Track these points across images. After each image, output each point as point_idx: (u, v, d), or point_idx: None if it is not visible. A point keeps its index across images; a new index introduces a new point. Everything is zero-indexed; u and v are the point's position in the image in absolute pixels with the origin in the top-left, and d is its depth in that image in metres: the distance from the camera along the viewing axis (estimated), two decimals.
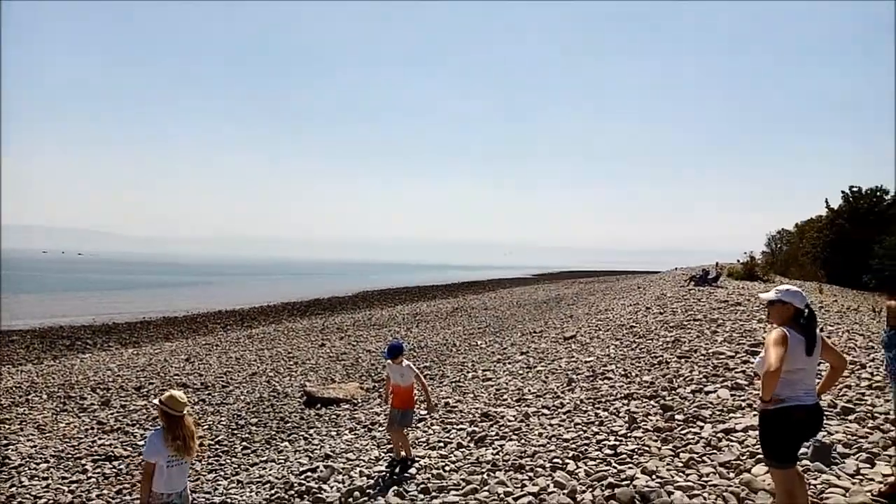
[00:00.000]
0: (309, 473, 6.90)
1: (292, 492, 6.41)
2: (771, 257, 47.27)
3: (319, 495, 6.10)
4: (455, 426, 7.80)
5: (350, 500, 5.87)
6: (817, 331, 3.85)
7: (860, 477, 4.95)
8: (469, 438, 7.10)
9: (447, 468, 6.16)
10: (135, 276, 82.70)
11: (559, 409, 7.66)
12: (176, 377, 13.90)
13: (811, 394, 3.75)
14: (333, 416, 9.94)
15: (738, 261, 30.51)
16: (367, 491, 5.95)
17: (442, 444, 7.10)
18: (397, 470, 6.34)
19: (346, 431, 8.82)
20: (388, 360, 6.68)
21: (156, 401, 4.50)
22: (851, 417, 6.27)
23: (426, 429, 7.92)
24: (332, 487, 6.32)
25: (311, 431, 9.18)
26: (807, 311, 3.82)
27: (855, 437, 5.72)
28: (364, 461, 7.04)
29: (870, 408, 6.49)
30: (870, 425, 6.05)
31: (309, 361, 15.38)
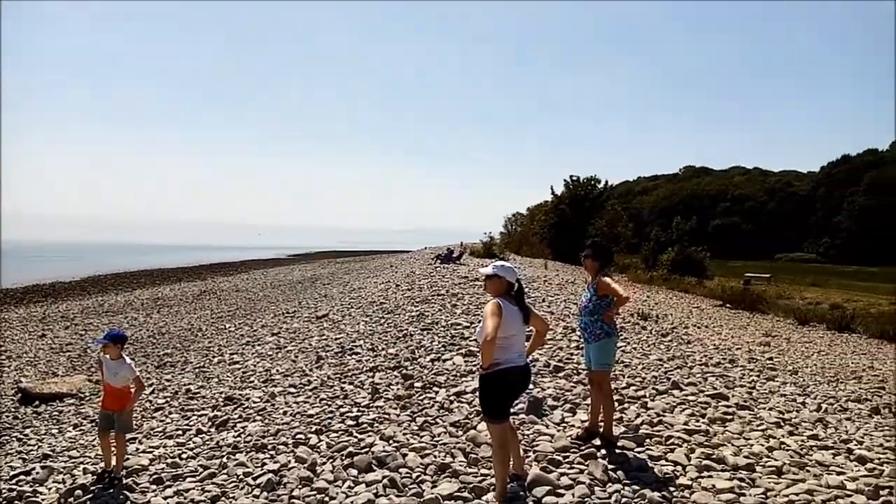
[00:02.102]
0: (22, 477, 6.12)
1: (1, 499, 5.65)
2: (507, 237, 51.89)
3: (34, 499, 5.45)
4: (196, 412, 7.46)
5: (71, 499, 5.33)
6: (526, 301, 4.37)
7: (564, 425, 5.73)
8: (210, 424, 6.84)
9: (184, 456, 5.88)
10: None
11: (306, 387, 7.71)
12: None
13: (522, 356, 4.26)
14: (55, 414, 8.89)
15: (480, 241, 33.04)
16: (92, 489, 5.46)
17: (180, 432, 6.75)
18: (105, 482, 5.50)
19: (70, 428, 7.95)
20: (102, 353, 5.69)
21: None
22: (561, 374, 7.21)
23: (163, 418, 7.46)
24: (49, 489, 5.68)
25: (28, 431, 8.12)
26: (517, 284, 4.33)
27: (562, 391, 6.60)
28: (90, 457, 6.42)
29: (576, 365, 7.52)
30: (574, 380, 7.01)
31: (26, 355, 13.53)
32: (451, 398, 6.37)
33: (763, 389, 7.79)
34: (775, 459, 5.16)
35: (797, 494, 4.51)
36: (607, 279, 5.11)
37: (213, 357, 11.30)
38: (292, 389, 7.72)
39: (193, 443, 6.26)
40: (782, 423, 6.29)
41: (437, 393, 6.61)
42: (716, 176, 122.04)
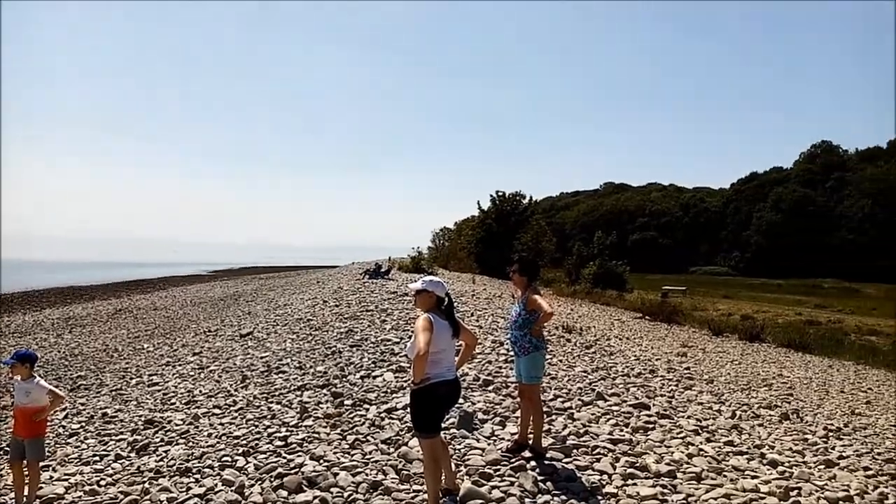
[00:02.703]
0: None
1: None
2: (435, 252, 52.11)
3: None
4: (114, 437, 7.13)
5: None
6: (455, 315, 4.43)
7: (495, 438, 5.80)
8: (130, 448, 6.56)
9: (103, 482, 5.61)
10: None
11: (231, 408, 7.50)
12: None
13: (452, 370, 4.30)
14: None
15: (408, 256, 33.03)
16: None
17: (98, 458, 6.43)
18: None
19: None
20: (11, 374, 5.33)
21: None
22: (490, 388, 7.30)
23: (78, 444, 7.09)
24: None
25: None
26: (447, 298, 4.38)
27: (492, 405, 6.68)
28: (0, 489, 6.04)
29: (505, 379, 7.64)
30: (504, 393, 7.12)
31: None
32: (382, 415, 6.35)
33: (682, 398, 8.12)
34: (695, 466, 5.39)
35: (715, 499, 4.73)
36: (535, 296, 5.24)
37: (131, 379, 10.83)
38: (217, 410, 7.50)
39: (112, 469, 5.98)
40: (700, 431, 6.58)
41: (367, 410, 6.57)
42: (634, 192, 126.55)
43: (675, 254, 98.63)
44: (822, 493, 5.11)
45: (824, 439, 7.08)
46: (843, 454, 6.49)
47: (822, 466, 5.96)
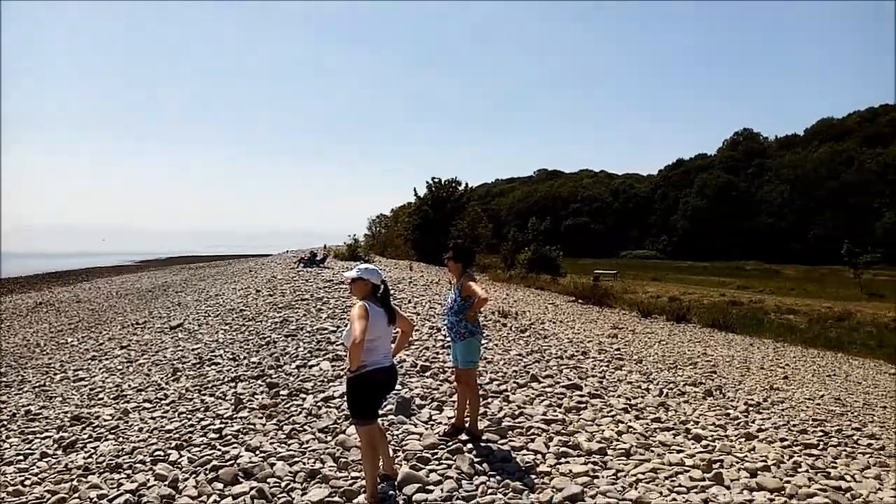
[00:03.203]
0: None
1: None
2: (372, 239, 51.85)
3: None
4: (39, 435, 6.85)
5: None
6: (392, 302, 4.45)
7: (432, 423, 5.87)
8: (56, 445, 6.32)
9: (27, 482, 5.40)
10: None
11: (162, 401, 7.31)
12: None
13: (388, 356, 4.33)
14: None
15: (344, 243, 32.75)
16: None
17: (21, 458, 6.17)
18: None
19: None
20: None
21: None
22: (428, 374, 7.36)
23: (0, 443, 6.79)
24: None
25: None
26: (382, 286, 4.40)
27: (430, 390, 6.75)
28: None
29: (442, 364, 7.71)
30: (441, 378, 7.19)
31: None
32: (319, 404, 6.33)
33: (612, 378, 8.39)
34: (624, 443, 5.60)
35: (643, 473, 4.94)
36: (470, 282, 5.31)
37: (55, 374, 10.40)
38: (147, 405, 7.30)
39: (38, 467, 5.75)
40: (629, 409, 6.83)
41: (304, 400, 6.53)
42: (567, 178, 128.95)
43: (607, 238, 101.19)
44: (742, 464, 5.40)
45: (745, 413, 7.47)
46: (762, 427, 6.87)
47: (743, 439, 6.29)
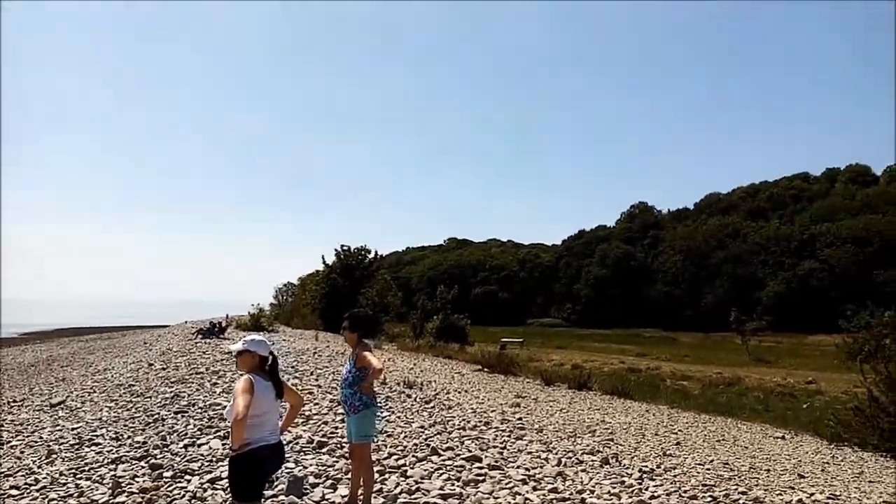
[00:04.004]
0: None
1: None
2: (278, 308, 50.54)
3: None
4: None
5: None
6: (280, 375, 4.34)
7: (325, 502, 5.67)
8: None
9: None
10: None
11: (32, 487, 6.70)
12: None
13: (275, 433, 4.19)
14: None
15: (248, 312, 31.75)
16: None
17: None
18: None
19: None
20: None
21: None
22: (325, 450, 7.15)
23: None
24: None
25: None
26: (271, 357, 4.29)
27: (325, 468, 6.54)
28: None
29: (340, 439, 7.51)
30: (338, 454, 7.00)
31: None
32: (206, 486, 5.99)
33: (513, 448, 8.41)
34: None
35: None
36: (365, 352, 5.26)
37: None
38: (14, 491, 6.66)
39: None
40: (528, 480, 6.84)
41: (189, 482, 6.16)
42: (476, 247, 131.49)
43: (514, 306, 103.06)
44: None
45: (639, 480, 7.62)
46: (655, 494, 7.02)
47: None
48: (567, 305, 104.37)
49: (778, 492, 8.01)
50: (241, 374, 4.16)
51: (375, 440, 7.65)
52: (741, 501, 7.23)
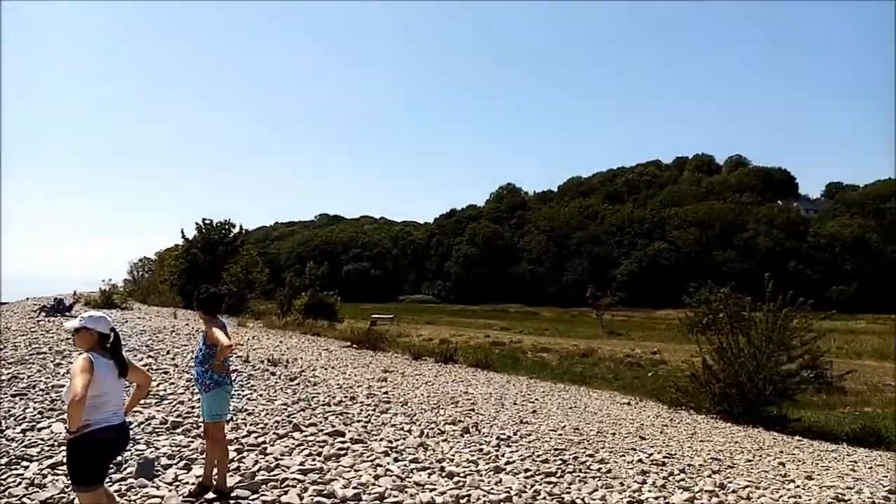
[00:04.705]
0: None
1: None
2: (133, 285, 47.62)
3: None
4: None
5: None
6: (124, 353, 4.13)
7: (178, 483, 5.48)
8: None
9: None
10: None
11: None
12: None
13: (119, 413, 3.99)
14: None
15: (99, 289, 29.74)
16: None
17: None
18: None
19: None
20: None
21: None
22: (179, 430, 6.89)
23: None
24: None
25: None
26: (112, 334, 4.07)
27: (179, 448, 6.31)
28: None
29: (196, 419, 7.26)
30: (193, 434, 6.77)
31: None
32: (45, 471, 5.60)
33: (377, 422, 8.52)
34: (380, 486, 5.70)
35: None
36: (215, 328, 5.11)
37: None
38: None
39: None
40: (390, 452, 6.97)
41: (27, 468, 5.73)
42: (347, 223, 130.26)
43: (386, 283, 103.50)
44: (488, 496, 5.76)
45: (496, 447, 7.98)
46: (510, 460, 7.40)
47: (492, 472, 6.71)
48: (438, 282, 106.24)
49: (621, 453, 8.69)
50: (80, 353, 3.91)
51: (232, 419, 7.49)
52: (588, 463, 7.77)
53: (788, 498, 7.21)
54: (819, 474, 8.95)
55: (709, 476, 7.82)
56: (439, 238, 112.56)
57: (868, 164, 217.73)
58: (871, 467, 10.32)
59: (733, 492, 7.15)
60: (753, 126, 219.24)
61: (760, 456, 10.09)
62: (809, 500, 7.17)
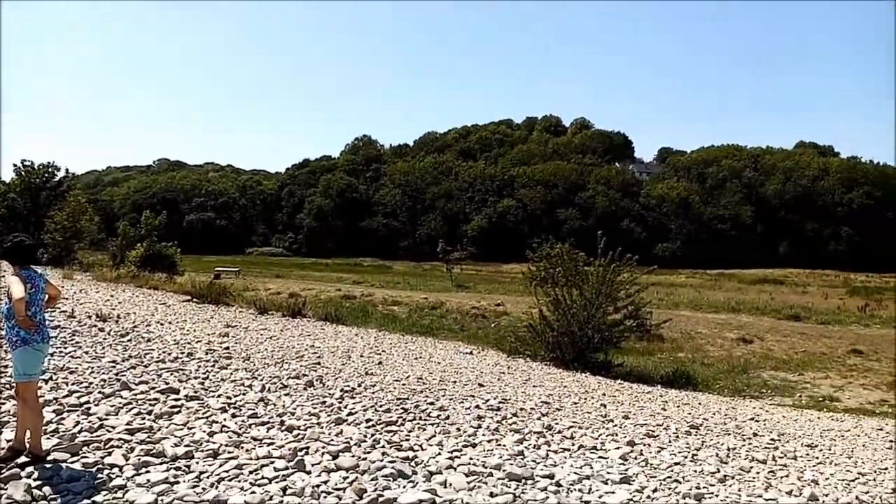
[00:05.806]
0: None
1: None
2: None
3: None
4: None
5: None
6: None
7: None
8: None
9: None
10: None
11: None
12: None
13: None
14: None
15: None
16: None
17: None
18: None
19: None
20: None
21: None
22: None
23: None
24: None
25: None
26: None
27: None
28: None
29: (9, 379, 6.64)
30: (5, 395, 6.21)
31: None
32: None
33: (216, 378, 8.25)
34: (214, 443, 5.55)
35: (227, 471, 4.96)
36: (12, 279, 4.68)
37: None
38: None
39: None
40: (228, 408, 6.80)
41: None
42: (190, 170, 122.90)
43: (233, 235, 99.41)
44: (327, 447, 5.80)
45: (340, 399, 8.03)
46: (353, 410, 7.47)
47: (333, 424, 6.76)
48: (289, 235, 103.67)
49: (460, 400, 9.07)
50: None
51: (51, 378, 6.95)
52: (428, 411, 8.03)
53: (607, 436, 7.91)
54: (635, 414, 9.89)
55: (538, 419, 8.37)
56: (291, 189, 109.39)
57: (697, 130, 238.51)
58: (678, 406, 11.56)
59: (559, 432, 7.73)
60: (596, 90, 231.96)
61: (585, 399, 10.95)
62: (625, 437, 7.91)
